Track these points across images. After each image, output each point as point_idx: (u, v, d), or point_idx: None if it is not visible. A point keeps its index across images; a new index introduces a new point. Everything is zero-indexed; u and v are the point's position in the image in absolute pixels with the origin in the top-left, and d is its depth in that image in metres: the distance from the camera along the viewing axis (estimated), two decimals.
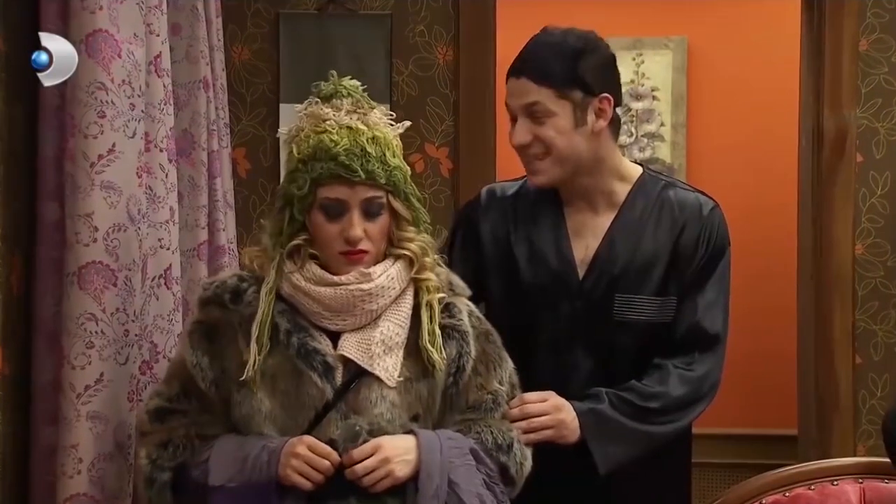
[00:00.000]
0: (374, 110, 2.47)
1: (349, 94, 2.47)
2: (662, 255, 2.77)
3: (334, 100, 2.45)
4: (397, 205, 2.44)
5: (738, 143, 5.65)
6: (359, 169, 2.39)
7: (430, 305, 2.46)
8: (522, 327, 2.75)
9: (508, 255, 2.81)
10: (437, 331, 2.45)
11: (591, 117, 2.72)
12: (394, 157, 2.44)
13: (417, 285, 2.48)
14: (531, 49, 2.74)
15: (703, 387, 2.76)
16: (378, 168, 2.40)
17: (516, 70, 2.73)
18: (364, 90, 2.50)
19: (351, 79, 2.51)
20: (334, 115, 2.43)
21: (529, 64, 2.71)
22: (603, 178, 2.79)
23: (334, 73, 2.51)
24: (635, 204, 2.80)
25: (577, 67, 2.70)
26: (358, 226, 2.40)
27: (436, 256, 2.53)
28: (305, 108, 2.47)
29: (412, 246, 2.46)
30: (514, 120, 2.75)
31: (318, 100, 2.46)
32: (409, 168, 2.48)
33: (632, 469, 2.74)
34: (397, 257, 2.47)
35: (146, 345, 2.79)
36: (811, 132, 4.17)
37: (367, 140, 2.41)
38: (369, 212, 2.42)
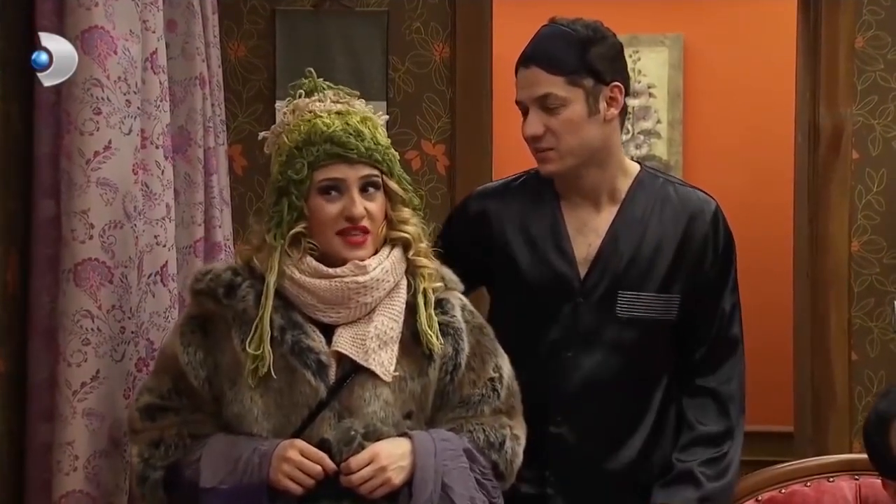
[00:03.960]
0: (357, 99, 2.51)
1: (328, 87, 2.50)
2: (667, 252, 2.76)
3: (316, 94, 2.48)
4: (392, 184, 2.46)
5: (734, 140, 5.66)
6: (355, 147, 2.41)
7: (426, 292, 2.46)
8: (524, 327, 2.75)
9: (507, 255, 2.79)
10: (434, 316, 2.46)
11: (602, 105, 2.71)
12: (384, 138, 2.48)
13: (414, 272, 2.48)
14: (540, 39, 2.74)
15: (742, 397, 2.81)
16: (372, 146, 2.43)
17: (526, 60, 2.73)
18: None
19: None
20: (321, 104, 2.46)
21: (539, 53, 2.71)
22: (610, 172, 2.78)
23: (312, 70, 2.52)
24: (636, 200, 2.79)
25: (587, 55, 2.69)
26: (359, 203, 2.41)
27: (430, 243, 2.54)
28: (288, 106, 2.50)
29: (409, 228, 2.48)
30: (525, 113, 2.74)
31: (301, 94, 2.49)
32: (397, 154, 2.51)
33: (631, 470, 2.76)
34: (394, 245, 2.47)
35: (142, 342, 2.78)
36: (807, 129, 4.17)
37: (358, 121, 2.45)
38: (367, 190, 2.43)
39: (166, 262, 2.88)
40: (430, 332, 2.44)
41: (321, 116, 2.45)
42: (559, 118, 2.70)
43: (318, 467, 2.34)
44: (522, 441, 2.54)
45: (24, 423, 2.71)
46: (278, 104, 4.00)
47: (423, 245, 2.50)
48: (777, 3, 5.18)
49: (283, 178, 2.43)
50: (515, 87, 2.76)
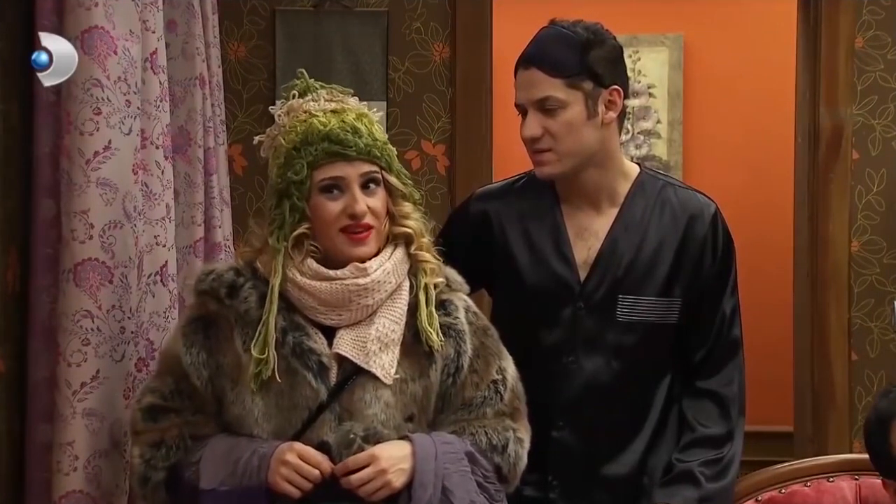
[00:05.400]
0: (351, 97, 2.50)
1: (321, 86, 2.50)
2: (667, 255, 2.76)
3: (309, 94, 2.48)
4: (393, 180, 2.46)
5: (734, 141, 5.66)
6: (353, 144, 2.41)
7: (427, 288, 2.46)
8: (524, 330, 2.74)
9: (508, 257, 2.79)
10: (435, 313, 2.45)
11: (601, 108, 2.71)
12: (381, 133, 2.48)
13: (415, 267, 2.47)
14: (540, 40, 2.73)
15: (743, 399, 2.81)
16: (371, 142, 2.43)
17: (525, 61, 2.72)
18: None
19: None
20: (315, 103, 2.46)
21: (539, 55, 2.70)
22: (610, 174, 2.77)
23: (303, 70, 2.52)
24: (636, 202, 2.78)
25: (586, 58, 2.69)
26: (361, 200, 2.41)
27: (431, 239, 2.53)
28: (282, 108, 2.49)
29: (411, 223, 2.47)
30: (523, 115, 2.73)
31: (294, 94, 2.48)
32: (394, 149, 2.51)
33: (634, 473, 2.77)
34: (396, 245, 2.47)
35: (142, 342, 2.78)
36: (807, 129, 4.17)
37: (353, 118, 2.44)
38: (368, 186, 2.43)
39: (166, 262, 2.88)
40: (429, 329, 2.44)
41: (317, 116, 2.44)
42: (558, 120, 2.69)
43: (316, 471, 2.34)
44: (527, 444, 2.53)
45: (24, 423, 2.71)
46: (278, 104, 3.99)
47: (426, 240, 2.50)
48: (777, 3, 5.18)
49: (283, 180, 2.43)
50: (514, 88, 2.76)
